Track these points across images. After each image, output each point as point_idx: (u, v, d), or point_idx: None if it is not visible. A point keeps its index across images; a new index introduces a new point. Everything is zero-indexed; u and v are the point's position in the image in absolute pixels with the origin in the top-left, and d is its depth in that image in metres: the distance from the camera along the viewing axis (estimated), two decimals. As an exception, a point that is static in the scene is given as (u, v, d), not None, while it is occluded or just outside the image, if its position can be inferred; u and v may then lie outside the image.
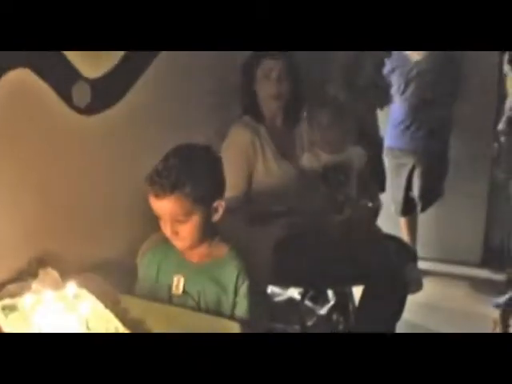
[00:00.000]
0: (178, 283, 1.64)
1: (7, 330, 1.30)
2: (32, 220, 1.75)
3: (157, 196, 1.53)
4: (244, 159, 2.17)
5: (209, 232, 1.61)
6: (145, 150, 1.69)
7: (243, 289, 1.60)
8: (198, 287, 1.62)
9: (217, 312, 1.61)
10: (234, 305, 1.61)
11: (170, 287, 1.65)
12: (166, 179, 1.51)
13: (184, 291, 1.63)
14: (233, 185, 1.88)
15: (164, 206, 1.54)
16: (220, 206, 1.59)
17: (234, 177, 2.01)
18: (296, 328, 2.28)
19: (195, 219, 1.56)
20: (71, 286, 1.49)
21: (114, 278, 1.69)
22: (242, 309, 1.61)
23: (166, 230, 1.58)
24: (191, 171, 1.53)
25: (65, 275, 1.61)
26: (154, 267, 1.68)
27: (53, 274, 1.63)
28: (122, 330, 1.33)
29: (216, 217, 1.60)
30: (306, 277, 2.13)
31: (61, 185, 1.83)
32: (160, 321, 1.50)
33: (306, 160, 2.23)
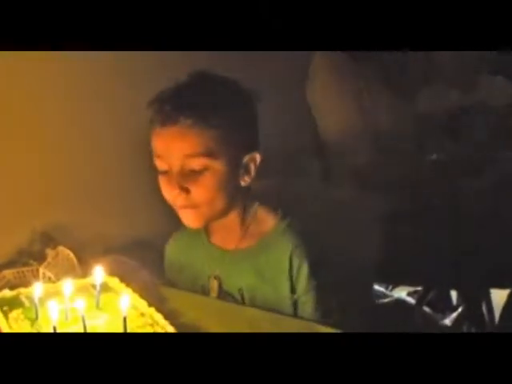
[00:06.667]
0: (213, 285, 1.28)
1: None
2: (30, 185, 1.58)
3: (164, 124, 1.15)
4: (344, 88, 1.82)
5: (238, 198, 1.23)
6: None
7: (302, 276, 1.19)
8: (239, 284, 1.24)
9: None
10: (295, 303, 1.19)
11: (202, 286, 1.29)
12: (180, 97, 1.16)
13: (221, 292, 1.26)
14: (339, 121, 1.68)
15: (173, 139, 1.15)
16: (252, 161, 1.21)
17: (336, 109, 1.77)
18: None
19: (216, 170, 1.16)
20: (98, 272, 1.17)
21: (154, 265, 1.38)
22: (306, 309, 1.19)
23: (171, 188, 1.17)
24: (215, 99, 1.17)
25: (83, 258, 1.40)
26: (176, 258, 1.34)
27: (66, 254, 1.43)
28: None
29: (246, 179, 1.20)
30: (423, 271, 1.72)
31: (68, 142, 1.64)
32: (230, 325, 1.14)
33: (425, 99, 1.83)
